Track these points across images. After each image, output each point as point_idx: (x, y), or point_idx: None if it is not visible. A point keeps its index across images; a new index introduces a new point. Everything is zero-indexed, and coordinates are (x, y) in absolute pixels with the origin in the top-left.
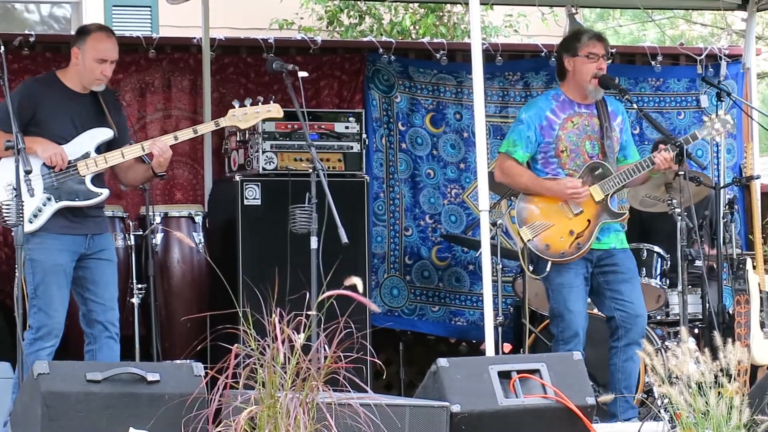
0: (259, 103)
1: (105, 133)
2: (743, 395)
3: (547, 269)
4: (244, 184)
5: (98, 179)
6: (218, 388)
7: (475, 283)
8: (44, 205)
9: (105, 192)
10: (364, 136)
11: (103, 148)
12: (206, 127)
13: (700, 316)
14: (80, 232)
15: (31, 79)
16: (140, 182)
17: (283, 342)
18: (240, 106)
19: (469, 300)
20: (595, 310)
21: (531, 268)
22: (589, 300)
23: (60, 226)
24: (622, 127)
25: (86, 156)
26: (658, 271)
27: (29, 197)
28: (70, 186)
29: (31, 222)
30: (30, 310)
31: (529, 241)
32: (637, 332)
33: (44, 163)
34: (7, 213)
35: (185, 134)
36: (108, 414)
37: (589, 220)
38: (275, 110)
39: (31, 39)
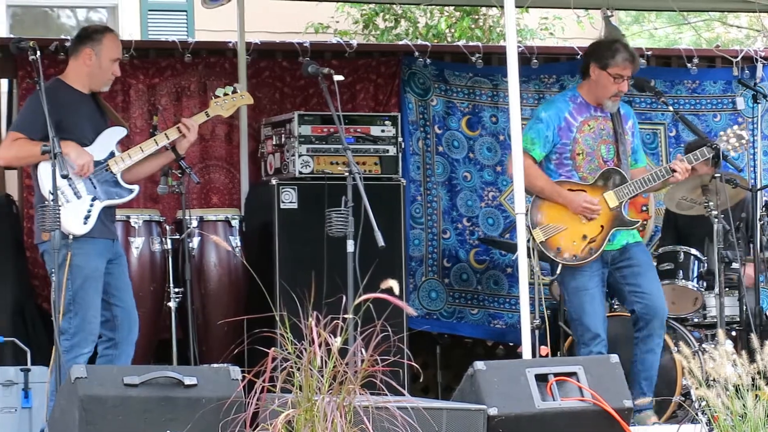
0: (238, 91)
1: (121, 132)
2: None
3: (557, 271)
4: (281, 187)
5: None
6: (255, 392)
7: (514, 285)
8: (92, 206)
9: (137, 188)
10: (400, 139)
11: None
12: (199, 118)
13: (738, 319)
14: (110, 236)
15: (45, 85)
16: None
17: (320, 345)
18: (216, 97)
19: (507, 303)
20: None
21: (543, 270)
22: None
23: (96, 230)
24: (633, 130)
25: (112, 155)
26: (695, 274)
27: (77, 199)
28: (108, 185)
29: (85, 223)
30: (66, 315)
31: (541, 242)
32: (657, 323)
33: None
34: (42, 218)
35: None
36: (145, 418)
37: (602, 226)
38: (247, 98)
39: (67, 44)
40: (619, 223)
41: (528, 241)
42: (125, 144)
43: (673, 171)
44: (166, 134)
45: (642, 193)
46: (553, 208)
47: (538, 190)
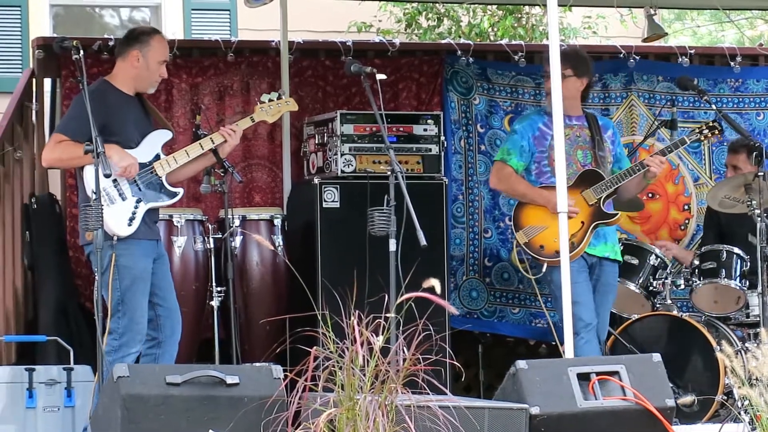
0: (282, 97)
1: (167, 135)
2: None
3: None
4: (323, 186)
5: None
6: (297, 391)
7: None
8: (136, 208)
9: (181, 191)
10: (442, 138)
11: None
12: (244, 123)
13: None
14: (154, 237)
15: (90, 88)
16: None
17: (362, 344)
18: (261, 102)
19: (549, 302)
20: (675, 312)
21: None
22: (669, 301)
23: (141, 232)
24: (614, 139)
25: (157, 158)
26: (738, 273)
27: (122, 201)
28: (153, 187)
29: (129, 225)
30: (114, 316)
31: (525, 243)
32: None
33: None
34: (85, 217)
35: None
36: (187, 417)
37: (582, 222)
38: (292, 104)
39: (110, 43)
40: (598, 217)
41: (514, 244)
42: (169, 144)
43: (647, 165)
44: (211, 138)
45: (619, 189)
46: (534, 210)
47: (520, 194)
